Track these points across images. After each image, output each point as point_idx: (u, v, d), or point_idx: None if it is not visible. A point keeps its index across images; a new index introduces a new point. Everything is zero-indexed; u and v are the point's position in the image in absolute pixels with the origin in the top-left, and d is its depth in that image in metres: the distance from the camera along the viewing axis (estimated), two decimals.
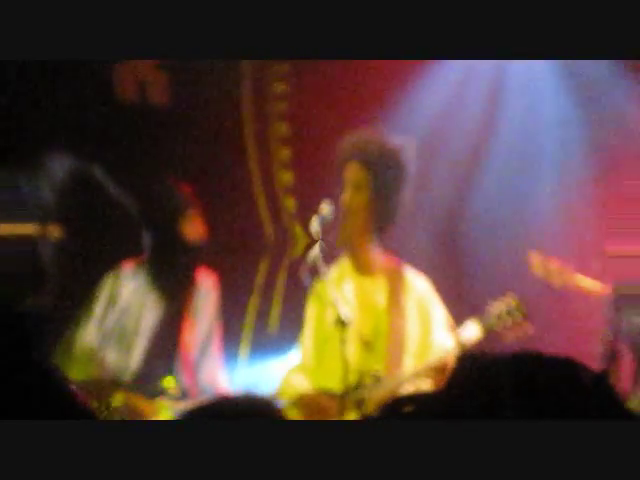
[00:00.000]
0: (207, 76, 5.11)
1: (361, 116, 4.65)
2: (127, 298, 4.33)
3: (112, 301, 4.30)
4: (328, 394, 4.05)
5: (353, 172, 4.06)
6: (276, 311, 5.39)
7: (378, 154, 4.03)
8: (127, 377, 4.21)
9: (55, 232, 4.44)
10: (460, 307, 4.32)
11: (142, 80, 5.19)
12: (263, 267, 5.32)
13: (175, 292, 4.32)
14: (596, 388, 1.46)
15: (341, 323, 3.79)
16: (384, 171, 4.03)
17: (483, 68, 5.38)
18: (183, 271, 4.32)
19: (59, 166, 4.58)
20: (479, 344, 3.97)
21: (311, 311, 4.21)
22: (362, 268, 4.16)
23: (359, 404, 3.93)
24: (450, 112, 5.38)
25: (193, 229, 4.32)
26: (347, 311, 3.83)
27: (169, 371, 4.18)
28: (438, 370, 3.93)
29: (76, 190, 4.62)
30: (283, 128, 5.44)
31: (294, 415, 4.06)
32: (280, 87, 5.41)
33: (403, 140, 4.13)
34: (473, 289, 5.18)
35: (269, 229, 5.38)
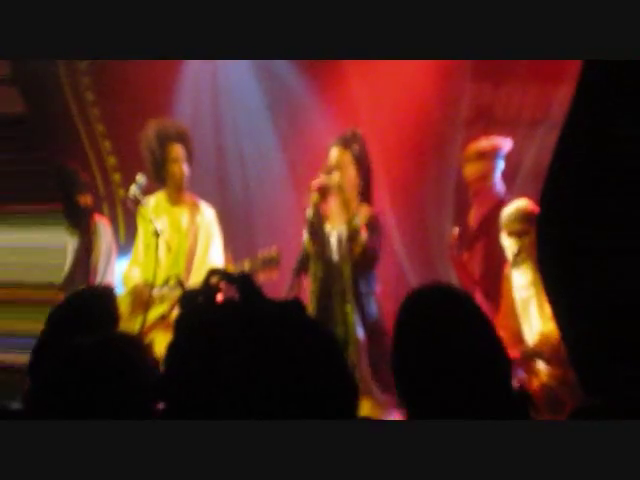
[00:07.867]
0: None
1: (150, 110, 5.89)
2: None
3: None
4: (147, 285, 5.14)
5: (173, 151, 5.38)
6: (123, 227, 6.94)
7: (177, 134, 5.42)
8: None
9: None
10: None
11: None
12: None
13: (82, 229, 5.79)
14: None
15: (156, 234, 5.03)
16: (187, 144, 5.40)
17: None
18: (86, 218, 5.81)
19: None
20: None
21: (140, 226, 5.42)
22: (173, 201, 5.44)
23: (161, 299, 5.13)
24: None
25: (87, 199, 5.86)
26: (159, 226, 5.06)
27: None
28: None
29: None
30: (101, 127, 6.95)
31: (125, 302, 5.09)
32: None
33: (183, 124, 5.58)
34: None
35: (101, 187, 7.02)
